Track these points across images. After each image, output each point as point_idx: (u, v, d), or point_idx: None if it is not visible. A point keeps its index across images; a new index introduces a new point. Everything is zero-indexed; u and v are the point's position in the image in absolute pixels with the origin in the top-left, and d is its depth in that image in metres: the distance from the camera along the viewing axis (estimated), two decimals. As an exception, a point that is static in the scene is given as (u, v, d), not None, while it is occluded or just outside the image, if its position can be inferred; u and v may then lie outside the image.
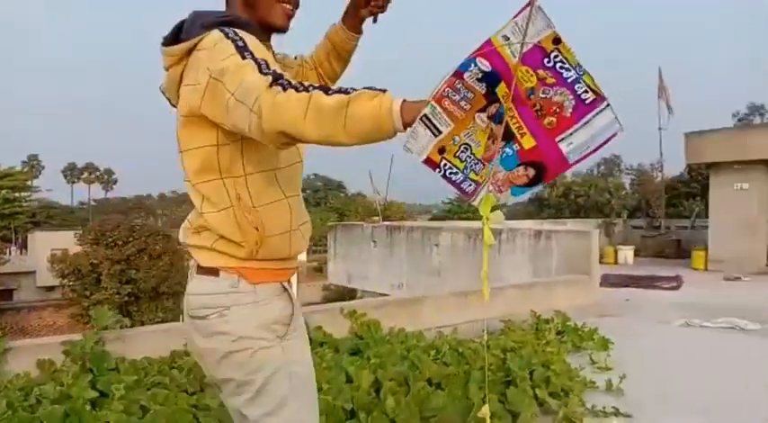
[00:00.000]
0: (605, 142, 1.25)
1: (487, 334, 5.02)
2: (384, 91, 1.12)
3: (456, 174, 1.27)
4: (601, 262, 13.94)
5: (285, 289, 1.42)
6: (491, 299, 5.72)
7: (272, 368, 1.34)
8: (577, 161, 1.28)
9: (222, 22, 1.31)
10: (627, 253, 14.01)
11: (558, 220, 16.94)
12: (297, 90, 1.12)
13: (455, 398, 3.37)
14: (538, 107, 1.21)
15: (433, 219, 34.23)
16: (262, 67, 1.18)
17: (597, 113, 1.22)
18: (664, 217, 17.16)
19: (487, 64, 1.15)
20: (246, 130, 1.18)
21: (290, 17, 1.44)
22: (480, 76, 1.15)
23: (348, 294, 13.06)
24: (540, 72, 1.18)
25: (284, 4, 1.41)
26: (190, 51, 1.31)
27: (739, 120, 32.19)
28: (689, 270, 12.22)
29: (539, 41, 1.14)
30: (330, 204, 48.95)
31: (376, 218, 14.10)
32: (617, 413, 3.59)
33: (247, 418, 1.36)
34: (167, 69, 1.36)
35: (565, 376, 3.94)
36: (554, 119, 1.22)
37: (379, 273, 11.05)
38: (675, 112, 15.47)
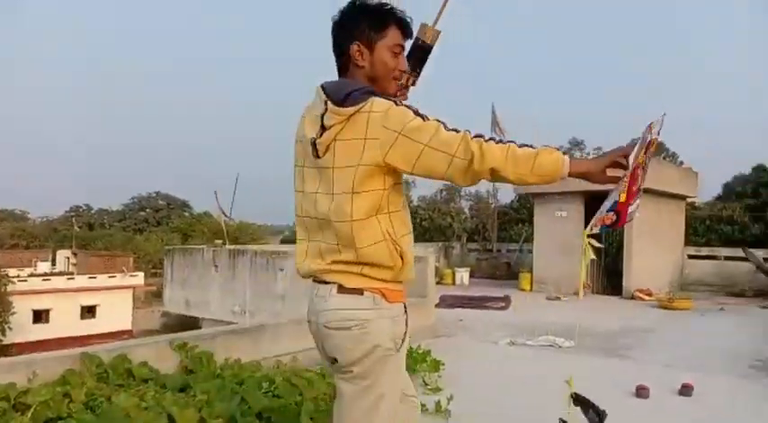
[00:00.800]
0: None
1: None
2: (558, 149, 1.65)
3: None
4: (440, 283, 14.73)
5: (406, 309, 1.79)
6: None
7: (387, 371, 1.69)
8: (628, 220, 2.05)
9: (372, 92, 1.66)
10: (463, 274, 14.85)
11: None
12: (495, 141, 1.60)
13: (285, 431, 3.32)
14: (636, 177, 1.88)
15: (285, 241, 33.80)
16: (446, 125, 1.62)
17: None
18: (496, 241, 18.49)
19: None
20: (443, 170, 1.59)
21: (399, 89, 1.83)
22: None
23: (190, 322, 12.44)
24: (643, 157, 1.86)
25: (397, 81, 1.79)
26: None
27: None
28: (517, 291, 13.22)
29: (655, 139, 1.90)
30: (173, 224, 46.40)
31: (218, 241, 13.65)
32: (443, 434, 3.75)
33: (355, 401, 1.70)
34: (329, 127, 1.63)
35: (396, 401, 4.04)
36: (635, 188, 1.93)
37: (220, 299, 10.65)
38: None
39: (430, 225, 30.22)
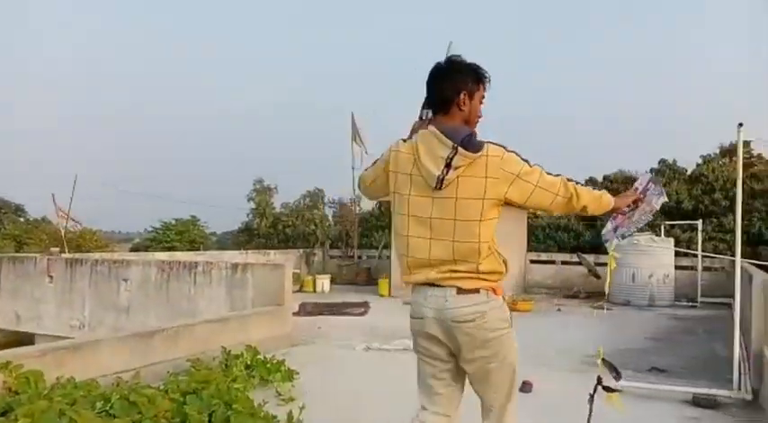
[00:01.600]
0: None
1: (172, 376, 4.75)
2: (605, 191, 2.36)
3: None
4: (301, 290, 14.63)
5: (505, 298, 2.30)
6: (177, 339, 5.45)
7: (509, 343, 2.28)
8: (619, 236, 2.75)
9: (475, 135, 2.12)
10: (324, 281, 14.85)
11: (262, 251, 17.20)
12: (579, 184, 2.26)
13: (122, 453, 3.07)
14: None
15: (135, 248, 31.66)
16: (544, 169, 2.19)
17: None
18: (357, 247, 18.73)
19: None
20: (548, 204, 2.23)
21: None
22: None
23: (23, 338, 11.18)
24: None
25: (477, 124, 2.26)
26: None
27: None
28: (376, 297, 13.46)
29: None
30: (6, 231, 41.65)
31: (55, 249, 12.45)
32: (294, 445, 3.68)
33: (491, 375, 2.26)
34: (456, 167, 2.06)
35: (246, 414, 3.90)
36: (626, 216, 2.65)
37: (56, 312, 9.69)
38: (374, 153, 17.07)
39: (293, 232, 29.94)
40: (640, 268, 12.44)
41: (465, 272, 2.14)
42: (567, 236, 19.60)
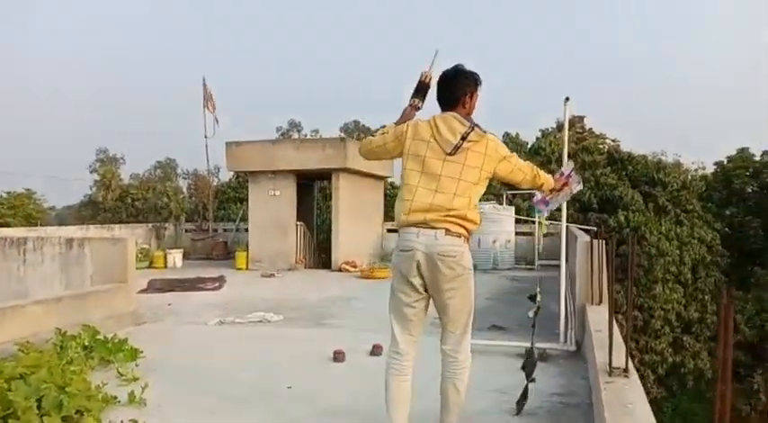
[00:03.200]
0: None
1: (-5, 362, 4.31)
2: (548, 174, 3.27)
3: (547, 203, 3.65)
4: (151, 266, 13.89)
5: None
6: (3, 321, 4.93)
7: (471, 282, 2.96)
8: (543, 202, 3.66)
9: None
10: (176, 256, 14.21)
11: (106, 226, 16.01)
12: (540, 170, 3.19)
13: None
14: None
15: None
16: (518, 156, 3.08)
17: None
18: (213, 220, 18.09)
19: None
20: (519, 180, 3.05)
21: None
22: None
23: None
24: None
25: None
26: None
27: (282, 134, 36.38)
28: (233, 270, 13.16)
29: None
30: None
31: None
32: (135, 425, 3.52)
33: (456, 306, 2.94)
34: (470, 140, 2.86)
35: (82, 396, 3.66)
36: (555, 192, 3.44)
37: None
38: (233, 124, 16.48)
39: (144, 205, 28.16)
40: (485, 234, 13.30)
41: (455, 217, 2.80)
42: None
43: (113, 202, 29.81)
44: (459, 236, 2.83)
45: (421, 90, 3.15)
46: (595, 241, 5.87)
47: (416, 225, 2.83)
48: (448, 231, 2.80)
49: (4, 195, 28.94)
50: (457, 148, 2.82)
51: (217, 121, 16.38)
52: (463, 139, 2.82)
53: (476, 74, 3.00)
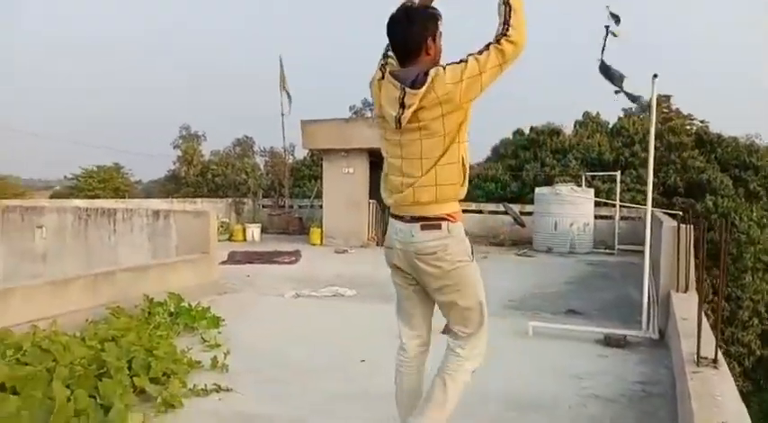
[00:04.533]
0: None
1: (90, 324, 4.60)
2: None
3: None
4: (230, 240, 14.40)
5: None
6: (96, 286, 5.25)
7: (470, 273, 2.46)
8: None
9: (427, 72, 2.26)
10: (254, 230, 14.66)
11: (189, 200, 16.73)
12: (506, 32, 2.24)
13: (34, 400, 2.96)
14: None
15: (56, 196, 30.11)
16: (476, 53, 2.27)
17: None
18: (289, 196, 18.53)
19: None
20: (500, 73, 2.27)
21: None
22: None
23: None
24: None
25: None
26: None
27: (354, 112, 36.60)
28: (308, 245, 13.44)
29: None
30: None
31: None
32: (218, 389, 3.67)
33: (458, 304, 2.45)
34: (409, 105, 2.27)
35: (168, 360, 3.85)
36: None
37: (-37, 262, 9.14)
38: (308, 102, 16.85)
39: (223, 181, 29.21)
40: (562, 217, 12.94)
41: (429, 202, 2.33)
42: (495, 186, 20.08)
43: (195, 177, 31.08)
44: (439, 225, 2.33)
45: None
46: (682, 226, 5.58)
47: (394, 217, 2.46)
48: (425, 223, 2.33)
49: (95, 169, 30.74)
50: (399, 121, 2.28)
51: (290, 99, 16.68)
52: (402, 106, 2.25)
53: (432, 8, 2.41)
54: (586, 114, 22.96)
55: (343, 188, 13.75)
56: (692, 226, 5.60)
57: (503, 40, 2.18)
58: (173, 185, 32.48)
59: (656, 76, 5.19)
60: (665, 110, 23.36)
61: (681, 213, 10.12)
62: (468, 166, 2.38)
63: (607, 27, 2.59)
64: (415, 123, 2.26)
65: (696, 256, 5.26)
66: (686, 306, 4.58)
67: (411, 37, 2.34)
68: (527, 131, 22.50)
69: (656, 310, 5.57)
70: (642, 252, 5.64)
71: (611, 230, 13.65)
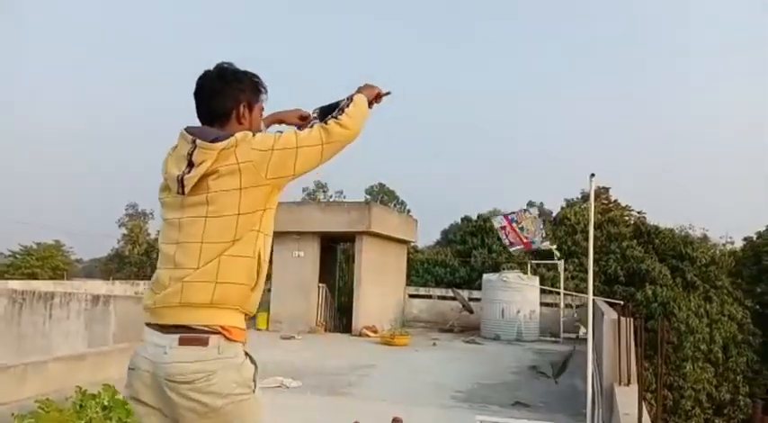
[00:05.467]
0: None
1: (17, 419, 4.31)
2: (355, 95, 2.01)
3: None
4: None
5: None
6: (24, 377, 4.96)
7: (250, 416, 1.72)
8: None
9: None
10: (198, 314, 14.22)
11: (132, 281, 16.20)
12: (334, 117, 1.88)
13: None
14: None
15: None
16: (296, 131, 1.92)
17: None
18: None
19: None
20: (318, 157, 1.82)
21: None
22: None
23: None
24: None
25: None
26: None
27: (308, 194, 36.91)
28: (253, 330, 13.07)
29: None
30: None
31: None
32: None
33: None
34: (199, 164, 1.73)
35: (98, 461, 3.62)
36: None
37: None
38: None
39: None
40: (509, 304, 13.12)
41: (201, 305, 1.66)
42: (444, 271, 20.31)
43: (139, 256, 30.28)
44: (206, 340, 1.63)
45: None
46: (623, 319, 5.77)
47: (149, 325, 1.74)
48: (186, 336, 1.64)
49: (35, 246, 29.59)
50: (183, 184, 1.72)
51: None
52: (189, 165, 1.72)
53: (254, 75, 1.99)
54: (531, 203, 23.86)
55: (293, 271, 13.65)
56: (632, 318, 5.79)
57: (331, 122, 1.81)
58: (115, 264, 31.50)
59: (593, 175, 5.54)
60: (604, 201, 24.53)
61: (621, 302, 10.44)
62: (265, 267, 1.78)
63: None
64: (202, 193, 1.70)
65: (637, 345, 5.42)
66: (629, 400, 4.65)
67: (220, 98, 1.89)
68: (474, 218, 23.12)
69: (601, 402, 5.63)
70: (586, 340, 5.76)
71: (556, 318, 13.89)
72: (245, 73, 1.96)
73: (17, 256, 29.17)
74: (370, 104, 2.04)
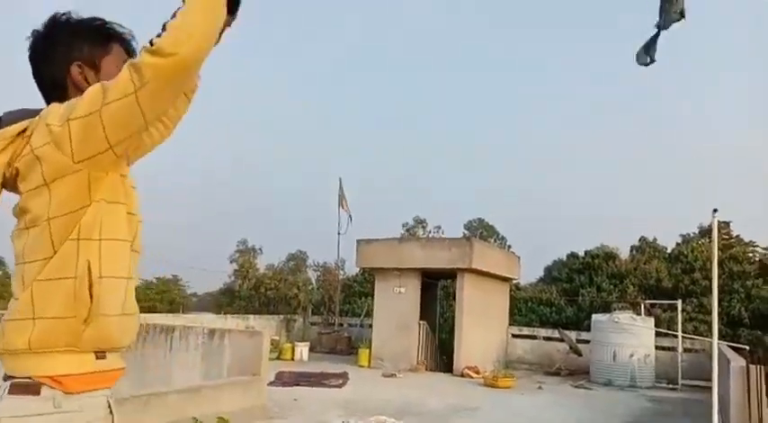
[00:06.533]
0: None
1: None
2: None
3: None
4: (279, 358, 14.32)
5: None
6: (147, 407, 5.30)
7: None
8: None
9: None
10: (303, 349, 14.60)
11: (242, 315, 16.98)
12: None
13: None
14: None
15: None
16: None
17: None
18: (339, 314, 18.53)
19: None
20: (140, 118, 1.26)
21: None
22: None
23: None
24: None
25: None
26: None
27: (407, 230, 37.17)
28: (355, 367, 13.22)
29: None
30: (-20, 283, 40.81)
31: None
32: None
33: None
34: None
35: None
36: None
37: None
38: (357, 219, 17.35)
39: (275, 295, 29.59)
40: (621, 346, 12.40)
41: (21, 349, 1.25)
42: (549, 310, 19.58)
43: (248, 290, 31.62)
44: (37, 389, 1.24)
45: None
46: (752, 366, 5.31)
47: None
48: (15, 383, 1.24)
49: (154, 281, 31.80)
50: None
51: (350, 219, 17.23)
52: None
53: (94, 19, 1.47)
54: (643, 239, 22.63)
55: (394, 308, 13.71)
56: (761, 366, 5.32)
57: (143, 52, 1.20)
58: (227, 298, 33.07)
59: (716, 210, 5.21)
60: (725, 236, 22.79)
61: (747, 347, 9.58)
62: (110, 286, 1.32)
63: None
64: (21, 200, 1.34)
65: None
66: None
67: (48, 64, 1.43)
68: (581, 254, 22.21)
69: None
70: (708, 388, 5.34)
71: (673, 363, 12.92)
72: (82, 21, 1.46)
73: (138, 289, 31.46)
74: None
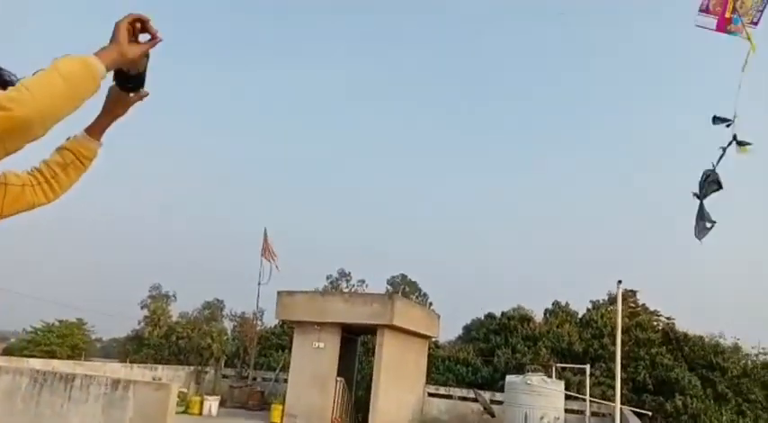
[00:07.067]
0: None
1: None
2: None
3: None
4: (186, 412, 13.64)
5: None
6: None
7: None
8: None
9: None
10: (213, 403, 13.98)
11: (150, 365, 16.11)
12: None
13: None
14: None
15: (8, 350, 28.72)
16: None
17: None
18: (253, 367, 17.93)
19: None
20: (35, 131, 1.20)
21: None
22: None
23: None
24: None
25: None
26: None
27: (331, 282, 36.88)
28: (267, 423, 12.77)
29: None
30: None
31: None
32: None
33: None
34: None
35: None
36: None
37: None
38: (282, 269, 17.13)
39: (186, 344, 28.28)
40: (533, 408, 12.63)
41: None
42: (466, 370, 19.74)
43: (158, 338, 30.11)
44: None
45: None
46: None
47: None
48: None
49: (57, 323, 29.79)
50: None
51: (277, 269, 17.00)
52: None
53: None
54: (556, 303, 23.45)
55: (312, 363, 13.46)
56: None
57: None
58: (134, 345, 31.33)
59: (620, 281, 5.55)
60: (631, 305, 24.00)
61: (650, 413, 10.01)
62: None
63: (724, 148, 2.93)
64: None
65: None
66: None
67: None
68: (498, 315, 22.73)
69: None
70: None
71: (582, 426, 13.29)
72: None
73: (38, 332, 29.29)
74: (126, 76, 1.39)
